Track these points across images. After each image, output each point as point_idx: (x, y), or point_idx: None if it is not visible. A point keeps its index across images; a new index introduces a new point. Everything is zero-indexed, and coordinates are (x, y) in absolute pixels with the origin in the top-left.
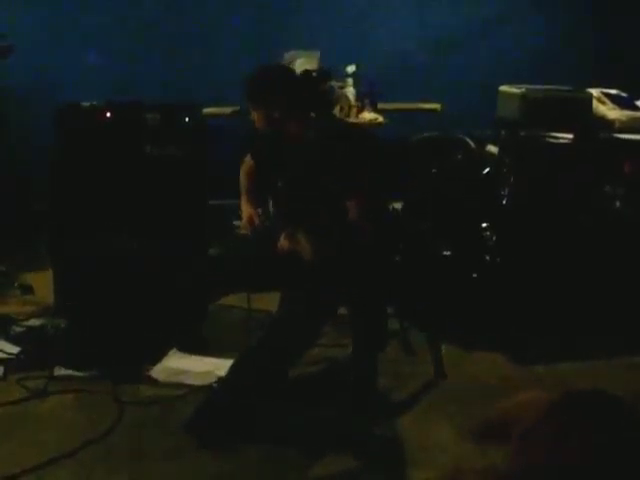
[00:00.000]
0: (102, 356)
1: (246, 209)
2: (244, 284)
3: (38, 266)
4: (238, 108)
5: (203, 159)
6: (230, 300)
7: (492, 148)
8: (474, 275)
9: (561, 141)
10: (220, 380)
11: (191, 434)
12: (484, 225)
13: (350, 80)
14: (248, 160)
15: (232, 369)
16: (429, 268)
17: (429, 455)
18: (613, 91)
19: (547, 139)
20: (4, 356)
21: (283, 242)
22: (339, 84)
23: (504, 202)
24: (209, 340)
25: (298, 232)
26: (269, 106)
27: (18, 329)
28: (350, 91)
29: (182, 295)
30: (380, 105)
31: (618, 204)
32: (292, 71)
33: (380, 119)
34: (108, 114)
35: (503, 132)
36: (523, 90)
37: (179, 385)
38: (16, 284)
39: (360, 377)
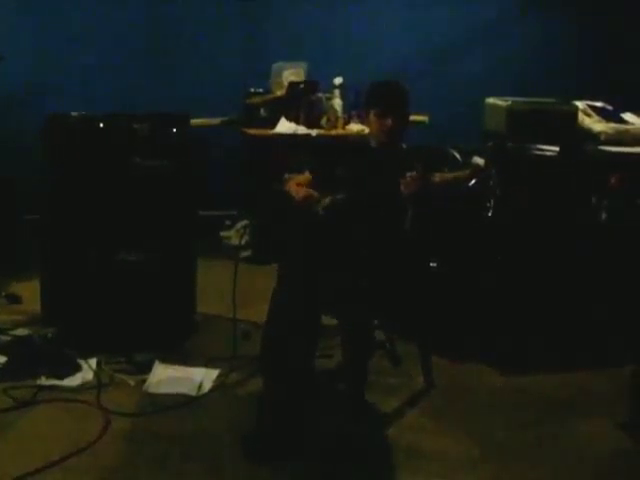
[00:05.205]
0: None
1: (300, 189)
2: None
3: (26, 276)
4: (227, 119)
5: (191, 170)
6: (215, 309)
7: (478, 160)
8: (460, 287)
9: (547, 153)
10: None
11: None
12: (470, 237)
13: (337, 92)
14: (305, 175)
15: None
16: (416, 280)
17: (419, 463)
18: (599, 104)
19: (533, 151)
20: None
21: (412, 180)
22: (326, 95)
23: (490, 214)
24: (195, 350)
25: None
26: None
27: (5, 338)
28: (337, 103)
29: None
30: None
31: (604, 216)
32: None
33: (367, 131)
34: (97, 124)
35: (489, 144)
36: (509, 102)
37: (166, 395)
38: (3, 294)
39: (351, 386)
